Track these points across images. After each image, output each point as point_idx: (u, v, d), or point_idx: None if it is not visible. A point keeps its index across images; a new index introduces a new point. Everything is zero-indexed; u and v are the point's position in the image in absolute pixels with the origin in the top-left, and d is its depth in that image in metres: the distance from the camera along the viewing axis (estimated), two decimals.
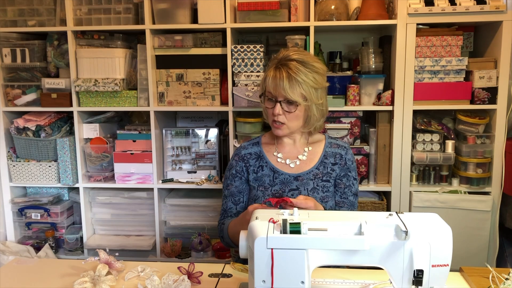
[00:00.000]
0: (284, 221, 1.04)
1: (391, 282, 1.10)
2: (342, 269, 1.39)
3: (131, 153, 2.42)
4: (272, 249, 1.02)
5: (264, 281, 1.05)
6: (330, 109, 2.25)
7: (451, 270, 1.07)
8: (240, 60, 2.25)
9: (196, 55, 2.34)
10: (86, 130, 2.46)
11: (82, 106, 2.40)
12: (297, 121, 1.53)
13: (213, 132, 2.48)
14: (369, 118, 2.45)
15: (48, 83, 2.39)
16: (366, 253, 1.05)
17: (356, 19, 2.25)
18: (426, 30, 2.23)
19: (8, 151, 2.51)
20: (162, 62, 2.37)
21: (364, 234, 1.03)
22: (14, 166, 2.48)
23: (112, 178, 2.48)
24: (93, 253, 2.38)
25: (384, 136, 2.29)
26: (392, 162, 2.26)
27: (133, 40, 2.50)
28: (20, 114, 2.51)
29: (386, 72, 2.30)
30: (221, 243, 2.48)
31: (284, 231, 1.04)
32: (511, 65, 2.16)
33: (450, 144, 2.25)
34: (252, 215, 1.14)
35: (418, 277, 1.03)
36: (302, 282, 1.04)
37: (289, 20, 2.24)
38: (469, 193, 2.24)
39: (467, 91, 2.20)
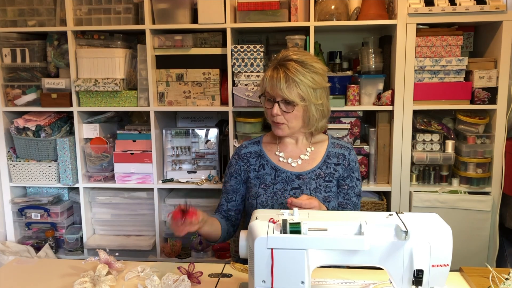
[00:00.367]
0: (284, 221, 1.05)
1: (391, 282, 1.10)
2: (342, 269, 1.39)
3: (131, 153, 2.42)
4: (272, 249, 1.02)
5: (264, 281, 1.05)
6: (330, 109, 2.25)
7: (451, 270, 1.07)
8: (240, 60, 2.25)
9: (196, 55, 2.34)
10: (86, 130, 2.46)
11: (82, 106, 2.40)
12: (296, 122, 1.53)
13: (213, 132, 2.49)
14: (369, 118, 2.45)
15: (48, 83, 2.39)
16: (366, 253, 1.05)
17: (356, 19, 2.25)
18: (426, 30, 2.23)
19: (8, 151, 2.51)
20: (162, 62, 2.37)
21: (364, 234, 1.03)
22: (14, 166, 2.48)
23: (112, 178, 2.48)
24: (93, 253, 2.38)
25: (384, 136, 2.29)
26: (392, 162, 2.26)
27: (133, 40, 2.50)
28: (20, 114, 2.51)
29: (386, 72, 2.30)
30: (221, 243, 2.49)
31: (284, 231, 1.04)
32: (511, 65, 2.16)
33: (450, 144, 2.25)
34: (252, 215, 1.14)
35: (418, 277, 1.03)
36: (302, 282, 1.04)
37: (289, 20, 2.24)
38: (469, 193, 2.24)
39: (467, 91, 2.20)
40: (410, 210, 2.26)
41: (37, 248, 2.47)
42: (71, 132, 2.49)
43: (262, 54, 2.24)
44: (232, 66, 2.27)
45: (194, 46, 2.34)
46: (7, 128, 2.49)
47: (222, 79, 2.38)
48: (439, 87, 2.21)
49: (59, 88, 2.39)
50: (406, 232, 1.01)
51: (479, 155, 2.23)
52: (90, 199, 2.54)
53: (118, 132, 2.51)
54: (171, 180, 2.46)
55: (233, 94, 2.29)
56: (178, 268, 1.34)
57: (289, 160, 1.59)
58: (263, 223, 1.07)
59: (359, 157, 2.30)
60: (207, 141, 2.49)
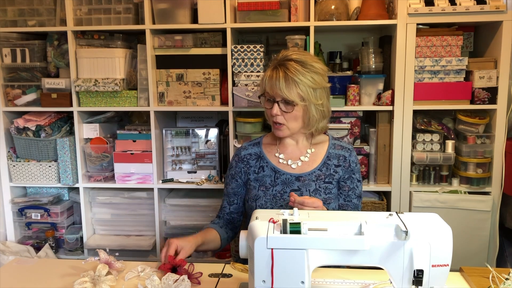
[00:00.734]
0: (284, 221, 1.05)
1: (391, 282, 1.10)
2: (342, 269, 1.39)
3: (131, 153, 2.42)
4: (272, 249, 1.02)
5: (264, 281, 1.05)
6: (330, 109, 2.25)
7: (451, 270, 1.07)
8: (240, 60, 2.25)
9: (196, 55, 2.34)
10: (86, 130, 2.46)
11: (82, 106, 2.40)
12: (296, 122, 1.52)
13: (213, 132, 2.49)
14: (369, 118, 2.45)
15: (48, 83, 2.39)
16: (366, 253, 1.05)
17: (356, 19, 2.25)
18: (426, 30, 2.23)
19: (8, 151, 2.51)
20: (162, 62, 2.37)
21: (364, 234, 1.03)
22: (14, 166, 2.49)
23: (112, 178, 2.48)
24: (93, 253, 2.38)
25: (384, 136, 2.29)
26: (392, 162, 2.26)
27: (133, 40, 2.50)
28: (20, 114, 2.51)
29: (386, 72, 2.30)
30: None
31: (284, 231, 1.04)
32: (511, 65, 2.16)
33: (450, 144, 2.25)
34: (252, 215, 1.14)
35: (418, 277, 1.03)
36: (302, 282, 1.04)
37: (289, 20, 2.24)
38: (469, 193, 2.24)
39: (467, 91, 2.20)
40: (410, 210, 2.26)
41: (37, 248, 2.47)
42: (71, 132, 2.49)
43: (262, 54, 2.24)
44: (232, 66, 2.27)
45: (194, 46, 2.34)
46: (7, 128, 2.49)
47: (222, 79, 2.38)
48: (439, 87, 2.21)
49: (59, 88, 2.39)
50: (406, 232, 1.01)
51: (479, 155, 2.23)
52: (90, 199, 2.54)
53: (118, 132, 2.51)
54: (171, 180, 2.46)
55: (233, 94, 2.29)
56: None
57: (289, 162, 1.58)
58: (263, 223, 1.07)
59: (359, 157, 2.30)
60: (207, 141, 2.49)
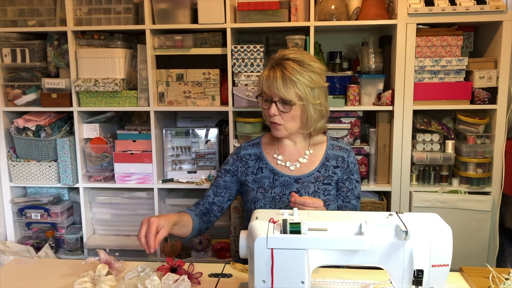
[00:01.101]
0: (284, 221, 1.04)
1: (391, 282, 1.10)
2: (342, 269, 1.39)
3: (131, 153, 2.42)
4: (272, 249, 1.02)
5: (264, 281, 1.05)
6: (330, 109, 2.25)
7: (451, 270, 1.07)
8: (240, 60, 2.25)
9: (196, 55, 2.34)
10: (86, 130, 2.46)
11: (82, 106, 2.40)
12: (293, 122, 1.50)
13: (213, 132, 2.49)
14: (369, 118, 2.45)
15: (48, 83, 2.39)
16: (366, 253, 1.05)
17: (356, 19, 2.25)
18: (426, 30, 2.23)
19: (8, 151, 2.51)
20: (162, 62, 2.37)
21: (364, 234, 1.03)
22: (14, 166, 2.48)
23: (112, 178, 2.48)
24: (93, 253, 2.38)
25: (384, 136, 2.29)
26: (392, 162, 2.26)
27: (133, 40, 2.50)
28: (20, 114, 2.51)
29: (386, 72, 2.30)
30: (221, 244, 2.49)
31: (284, 231, 1.04)
32: (511, 65, 2.16)
33: (450, 144, 2.25)
34: (252, 215, 1.14)
35: (418, 277, 1.03)
36: (302, 282, 1.04)
37: (289, 20, 2.24)
38: (469, 193, 2.24)
39: (467, 91, 2.20)
40: (410, 210, 2.26)
41: (37, 248, 2.47)
42: (71, 132, 2.49)
43: (262, 54, 2.24)
44: (232, 66, 2.27)
45: (194, 46, 2.34)
46: (7, 128, 2.49)
47: (222, 79, 2.38)
48: (439, 87, 2.21)
49: (59, 88, 2.39)
50: (406, 232, 1.01)
51: (479, 155, 2.23)
52: (90, 199, 2.54)
53: (118, 132, 2.51)
54: (171, 180, 2.46)
55: (233, 94, 2.29)
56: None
57: (287, 164, 1.57)
58: (263, 223, 1.07)
59: (359, 157, 2.30)
60: (207, 141, 2.49)
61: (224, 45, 2.31)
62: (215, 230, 2.50)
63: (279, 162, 1.58)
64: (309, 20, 2.21)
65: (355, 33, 2.55)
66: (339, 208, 1.58)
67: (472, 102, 2.21)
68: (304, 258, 1.03)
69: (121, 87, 2.34)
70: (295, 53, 1.49)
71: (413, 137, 2.26)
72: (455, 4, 2.12)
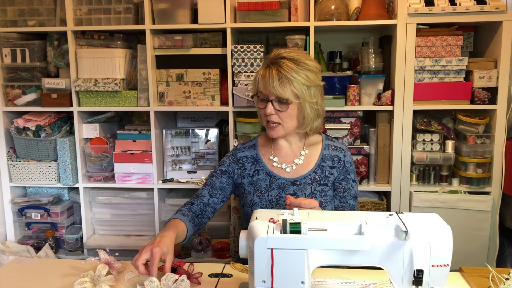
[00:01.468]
0: (284, 221, 1.04)
1: (391, 282, 1.10)
2: (342, 269, 1.39)
3: (131, 153, 2.42)
4: (272, 249, 1.02)
5: (264, 281, 1.05)
6: (330, 109, 2.26)
7: (451, 270, 1.06)
8: (240, 60, 2.25)
9: (196, 55, 2.34)
10: (86, 130, 2.46)
11: (82, 106, 2.40)
12: (290, 121, 1.49)
13: (213, 132, 2.49)
14: (369, 118, 2.45)
15: (48, 83, 2.39)
16: (366, 253, 1.05)
17: (356, 19, 2.25)
18: (426, 30, 2.23)
19: (8, 151, 2.51)
20: (162, 62, 2.37)
21: (364, 234, 1.03)
22: (14, 166, 2.48)
23: (112, 178, 2.48)
24: (93, 253, 2.38)
25: (384, 136, 2.29)
26: (392, 162, 2.26)
27: (133, 40, 2.50)
28: (20, 114, 2.51)
29: (386, 72, 2.30)
30: (221, 244, 2.49)
31: (284, 231, 1.04)
32: (511, 65, 2.16)
33: (450, 144, 2.25)
34: (252, 215, 1.14)
35: (418, 277, 1.03)
36: (302, 282, 1.04)
37: (289, 20, 2.24)
38: (469, 193, 2.24)
39: (467, 91, 2.20)
40: (410, 210, 2.26)
41: (37, 248, 2.47)
42: (71, 132, 2.49)
43: (262, 54, 2.24)
44: (232, 66, 2.27)
45: (194, 46, 2.34)
46: (7, 128, 2.49)
47: (222, 79, 2.38)
48: (439, 87, 2.21)
49: (59, 88, 2.39)
50: (406, 232, 1.01)
51: (479, 155, 2.23)
52: (90, 199, 2.54)
53: (118, 132, 2.51)
54: (171, 180, 2.46)
55: (233, 94, 2.29)
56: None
57: (283, 166, 1.56)
58: (263, 223, 1.07)
59: (359, 157, 2.30)
60: (207, 141, 2.49)
61: (224, 45, 2.31)
62: (215, 230, 2.51)
63: (275, 164, 1.57)
64: (309, 20, 2.21)
65: (355, 33, 2.55)
66: (336, 208, 1.57)
67: (472, 102, 2.21)
68: (304, 258, 1.03)
69: (121, 87, 2.34)
70: (290, 52, 1.48)
71: (413, 137, 2.26)
72: (455, 4, 2.12)
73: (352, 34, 2.56)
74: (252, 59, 2.24)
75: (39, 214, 2.50)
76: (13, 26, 2.39)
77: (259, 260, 1.04)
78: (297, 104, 1.47)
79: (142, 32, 2.35)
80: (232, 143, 2.33)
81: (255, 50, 2.24)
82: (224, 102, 2.38)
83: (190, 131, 2.50)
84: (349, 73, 2.33)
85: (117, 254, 1.46)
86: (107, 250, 1.41)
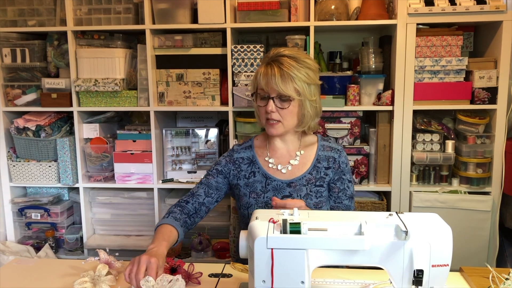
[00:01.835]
0: (284, 221, 1.04)
1: (391, 282, 1.10)
2: (342, 269, 1.39)
3: (131, 153, 2.42)
4: (272, 249, 1.02)
5: (264, 281, 1.05)
6: (330, 109, 2.26)
7: (451, 270, 1.06)
8: (240, 60, 2.25)
9: (196, 55, 2.34)
10: (86, 130, 2.46)
11: (82, 106, 2.40)
12: (291, 118, 1.49)
13: (213, 132, 2.49)
14: (369, 118, 2.45)
15: (48, 83, 2.39)
16: (366, 253, 1.05)
17: (356, 19, 2.25)
18: (426, 30, 2.23)
19: (8, 151, 2.51)
20: (162, 62, 2.37)
21: (364, 234, 1.03)
22: (14, 166, 2.48)
23: (112, 178, 2.48)
24: (93, 253, 2.38)
25: (384, 136, 2.29)
26: (392, 162, 2.26)
27: (133, 40, 2.50)
28: (20, 114, 2.51)
29: (386, 72, 2.30)
30: (221, 244, 2.49)
31: (284, 231, 1.04)
32: (511, 65, 2.16)
33: (450, 144, 2.25)
34: (252, 215, 1.14)
35: (418, 277, 1.03)
36: (302, 282, 1.04)
37: (289, 20, 2.24)
38: (469, 193, 2.24)
39: (467, 91, 2.20)
40: (410, 210, 2.26)
41: (37, 248, 2.47)
42: (71, 132, 2.49)
43: (262, 54, 2.24)
44: (232, 66, 2.27)
45: (194, 46, 2.34)
46: (7, 128, 2.49)
47: (222, 79, 2.38)
48: (439, 87, 2.21)
49: (59, 88, 2.39)
50: (406, 232, 1.01)
51: (479, 155, 2.23)
52: (90, 199, 2.54)
53: (118, 132, 2.51)
54: (171, 180, 2.46)
55: (233, 94, 2.29)
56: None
57: (279, 167, 1.56)
58: (263, 223, 1.07)
59: (359, 157, 2.30)
60: (207, 141, 2.49)
61: (224, 45, 2.31)
62: (215, 230, 2.51)
63: (270, 165, 1.56)
64: (309, 20, 2.21)
65: (355, 33, 2.55)
66: (331, 209, 1.56)
67: (472, 102, 2.21)
68: (304, 258, 1.03)
69: (121, 87, 2.34)
70: (289, 51, 1.49)
71: (413, 137, 2.26)
72: (455, 4, 2.12)
73: (352, 34, 2.56)
74: (252, 59, 2.24)
75: (39, 214, 2.50)
76: (13, 26, 2.39)
77: (259, 260, 1.04)
78: (298, 102, 1.47)
79: (142, 32, 2.36)
80: (232, 143, 2.33)
81: (255, 50, 2.24)
82: (224, 102, 2.38)
83: (190, 131, 2.50)
84: (349, 73, 2.33)
85: (117, 254, 1.46)
86: (107, 250, 1.41)
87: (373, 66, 2.26)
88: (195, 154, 2.50)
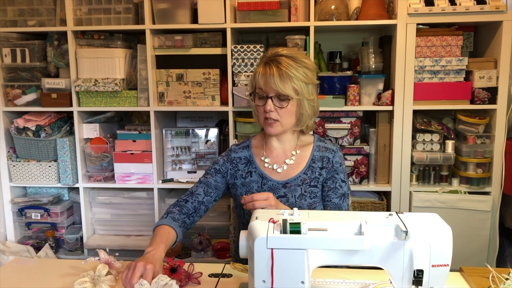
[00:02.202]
0: (284, 221, 1.04)
1: (391, 282, 1.10)
2: (342, 269, 1.39)
3: (131, 153, 2.42)
4: (272, 249, 1.02)
5: (264, 281, 1.05)
6: (330, 109, 2.26)
7: (451, 270, 1.07)
8: (240, 60, 2.25)
9: (196, 55, 2.34)
10: (86, 130, 2.46)
11: (82, 106, 2.40)
12: (289, 117, 1.50)
13: (213, 132, 2.49)
14: (369, 118, 2.45)
15: (48, 83, 2.39)
16: (366, 253, 1.05)
17: (356, 19, 2.25)
18: (426, 30, 2.23)
19: (8, 151, 2.51)
20: (162, 62, 2.37)
21: (364, 234, 1.03)
22: (14, 166, 2.48)
23: (112, 178, 2.48)
24: (93, 253, 2.38)
25: (384, 136, 2.29)
26: (392, 162, 2.26)
27: (133, 40, 2.50)
28: (20, 114, 2.51)
29: (386, 72, 2.30)
30: (221, 244, 2.49)
31: (284, 231, 1.04)
32: (511, 65, 2.16)
33: (450, 144, 2.25)
34: (252, 215, 1.14)
35: (418, 277, 1.03)
36: (302, 282, 1.04)
37: (289, 20, 2.24)
38: (469, 193, 2.24)
39: (467, 91, 2.20)
40: (410, 210, 2.26)
41: (37, 248, 2.47)
42: (71, 132, 2.49)
43: (262, 54, 2.24)
44: (232, 66, 2.27)
45: (194, 46, 2.34)
46: (7, 128, 2.49)
47: (222, 79, 2.38)
48: (439, 87, 2.21)
49: (59, 88, 2.39)
50: (406, 232, 1.01)
51: (479, 155, 2.23)
52: (90, 199, 2.54)
53: (118, 132, 2.51)
54: (171, 180, 2.46)
55: (233, 94, 2.29)
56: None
57: (274, 166, 1.56)
58: (263, 223, 1.07)
59: (359, 157, 2.30)
60: (207, 141, 2.49)
61: (224, 45, 2.31)
62: (215, 230, 2.51)
63: (266, 165, 1.57)
64: (309, 20, 2.21)
65: (355, 33, 2.55)
66: (323, 207, 1.57)
67: (472, 102, 2.21)
68: (304, 258, 1.03)
69: (121, 87, 2.34)
70: (287, 50, 1.50)
71: (413, 137, 2.26)
72: (455, 4, 2.12)
73: (352, 34, 2.56)
74: (252, 59, 2.24)
75: (39, 214, 2.50)
76: (13, 26, 2.39)
77: (259, 260, 1.04)
78: (296, 101, 1.48)
79: (142, 32, 2.36)
80: (232, 143, 2.33)
81: (255, 50, 2.24)
82: (224, 102, 2.38)
83: (190, 131, 2.50)
84: (349, 73, 2.33)
85: (117, 254, 1.46)
86: (107, 250, 1.41)
87: (373, 66, 2.26)
88: (195, 154, 2.50)
